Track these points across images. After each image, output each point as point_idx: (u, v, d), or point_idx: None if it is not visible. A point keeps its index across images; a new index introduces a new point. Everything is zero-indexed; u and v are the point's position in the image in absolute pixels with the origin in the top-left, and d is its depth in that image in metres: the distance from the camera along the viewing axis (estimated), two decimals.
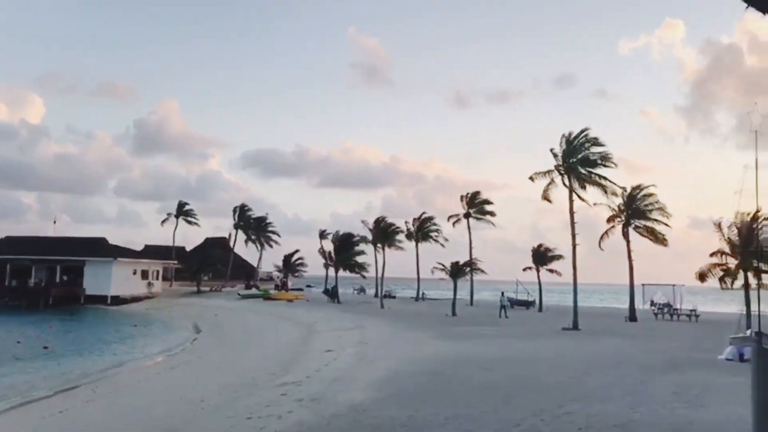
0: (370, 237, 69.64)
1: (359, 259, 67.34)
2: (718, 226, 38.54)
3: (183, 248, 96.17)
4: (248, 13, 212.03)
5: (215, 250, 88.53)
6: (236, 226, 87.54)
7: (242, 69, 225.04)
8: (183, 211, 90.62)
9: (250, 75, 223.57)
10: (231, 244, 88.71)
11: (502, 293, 51.10)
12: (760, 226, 34.39)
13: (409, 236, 72.79)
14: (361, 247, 68.66)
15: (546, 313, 52.88)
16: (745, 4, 14.31)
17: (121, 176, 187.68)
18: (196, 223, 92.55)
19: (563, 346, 25.57)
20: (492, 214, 67.93)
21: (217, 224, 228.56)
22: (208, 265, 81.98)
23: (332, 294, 66.04)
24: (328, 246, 71.24)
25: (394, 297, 76.75)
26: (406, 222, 73.92)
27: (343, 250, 66.37)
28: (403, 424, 11.24)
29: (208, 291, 78.11)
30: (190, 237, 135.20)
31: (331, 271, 68.98)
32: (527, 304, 59.53)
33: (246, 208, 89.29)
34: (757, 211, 31.39)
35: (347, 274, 68.39)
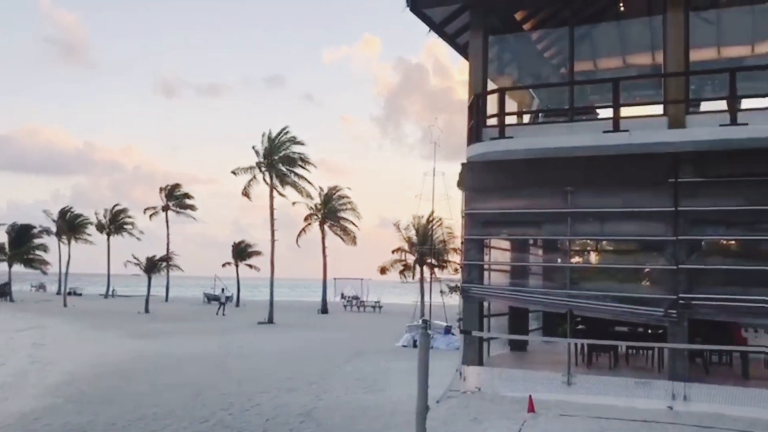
0: (54, 229, 63.24)
1: (39, 252, 60.86)
2: (398, 226, 42.66)
3: None
4: None
5: None
6: None
7: None
8: None
9: None
10: None
11: (222, 289, 50.35)
12: (434, 227, 38.70)
13: (100, 228, 67.75)
14: (43, 239, 62.13)
15: (243, 308, 53.22)
16: (428, 28, 15.81)
17: None
18: None
19: (257, 340, 25.97)
20: (193, 207, 66.35)
21: None
22: None
23: (3, 292, 58.38)
24: (2, 238, 62.97)
25: (80, 294, 70.78)
26: (96, 213, 68.76)
27: (20, 243, 59.29)
28: (81, 430, 10.41)
29: None
30: None
31: (4, 266, 61.04)
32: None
33: None
34: (432, 213, 35.28)
35: (24, 269, 61.25)
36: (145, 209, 65.43)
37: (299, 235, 51.82)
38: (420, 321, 25.86)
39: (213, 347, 22.88)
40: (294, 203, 47.58)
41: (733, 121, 11.32)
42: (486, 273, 14.10)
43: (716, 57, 14.94)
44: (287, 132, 43.45)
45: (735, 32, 14.60)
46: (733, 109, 11.49)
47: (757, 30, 14.38)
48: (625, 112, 12.70)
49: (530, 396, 11.14)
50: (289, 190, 44.21)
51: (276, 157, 42.62)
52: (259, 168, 42.73)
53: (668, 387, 11.58)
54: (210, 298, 60.27)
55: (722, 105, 12.11)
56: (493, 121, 13.41)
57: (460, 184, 14.00)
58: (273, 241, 41.82)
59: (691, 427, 10.01)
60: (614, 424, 10.21)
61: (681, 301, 11.68)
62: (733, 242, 13.49)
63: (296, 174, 43.77)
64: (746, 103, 12.46)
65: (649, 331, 13.95)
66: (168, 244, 62.22)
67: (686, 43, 12.16)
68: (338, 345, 24.14)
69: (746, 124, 11.14)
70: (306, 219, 51.60)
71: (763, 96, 13.85)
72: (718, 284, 11.84)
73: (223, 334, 28.87)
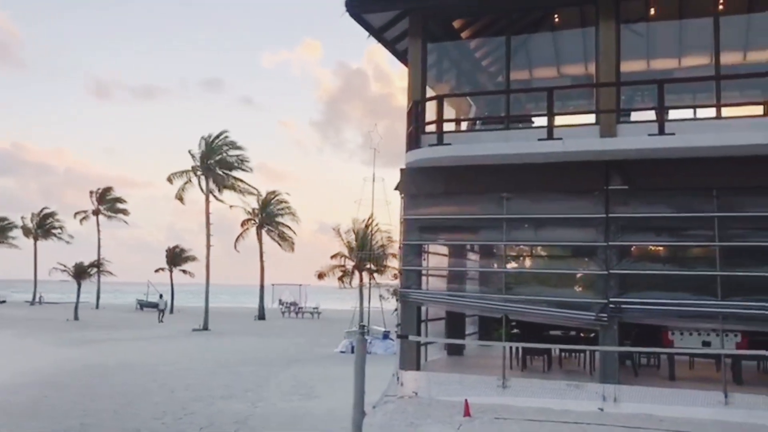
0: None
1: None
2: (338, 231, 42.52)
3: None
4: None
5: None
6: None
7: None
8: None
9: None
10: None
11: (161, 296, 48.98)
12: (373, 232, 38.75)
13: (26, 233, 65.21)
14: None
15: (178, 314, 52.02)
16: (367, 33, 15.82)
17: None
18: None
19: (192, 348, 25.43)
20: (125, 212, 64.67)
21: None
22: None
23: None
24: None
25: (3, 301, 67.94)
26: (23, 217, 66.20)
27: None
28: None
29: None
30: None
31: None
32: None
33: None
34: (371, 219, 35.36)
35: None
36: (75, 213, 63.43)
37: (237, 240, 51.10)
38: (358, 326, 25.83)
39: (145, 355, 22.26)
40: (231, 206, 46.91)
41: (661, 131, 11.72)
42: (424, 278, 14.19)
43: (646, 69, 15.49)
44: (226, 136, 42.79)
45: (663, 45, 15.18)
46: (661, 120, 11.91)
47: (683, 44, 14.99)
48: (559, 120, 13.02)
49: (466, 400, 11.24)
50: (226, 194, 43.56)
51: (212, 161, 41.89)
52: (194, 172, 41.91)
53: (599, 389, 11.89)
54: (143, 305, 58.75)
55: (651, 115, 12.53)
56: (431, 128, 13.53)
57: (399, 189, 14.07)
58: (209, 246, 41.06)
59: (620, 428, 10.27)
60: (547, 426, 10.40)
61: (611, 305, 12.02)
62: (661, 248, 13.97)
63: (234, 178, 43.13)
64: (674, 114, 12.96)
65: (582, 335, 14.30)
66: (99, 249, 60.45)
67: (617, 55, 12.55)
68: (275, 352, 23.85)
69: (673, 134, 11.56)
70: (243, 224, 50.90)
71: (689, 107, 14.47)
72: (647, 288, 12.22)
73: (156, 341, 28.15)
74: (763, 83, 13.86)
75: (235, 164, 42.98)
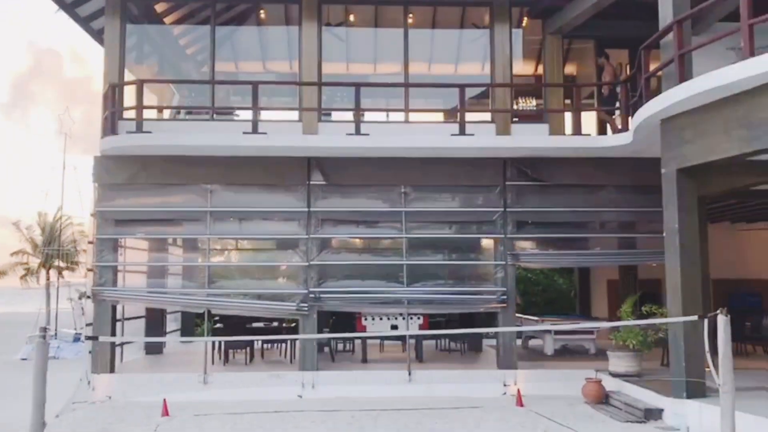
0: None
1: None
2: (17, 225, 37.85)
3: None
4: None
5: None
6: None
7: None
8: None
9: None
10: None
11: None
12: (63, 226, 35.34)
13: None
14: None
15: None
16: (57, 7, 14.36)
17: None
18: None
19: None
20: None
21: None
22: None
23: None
24: None
25: None
26: None
27: None
28: None
29: None
30: None
31: None
32: None
33: None
34: (60, 211, 32.25)
35: None
36: None
37: None
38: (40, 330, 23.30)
39: None
40: None
41: (358, 132, 12.57)
42: (120, 274, 13.31)
43: (346, 71, 16.38)
44: None
45: (361, 50, 16.18)
46: (358, 121, 12.74)
47: (378, 51, 16.15)
48: (266, 115, 13.19)
49: (164, 399, 10.82)
50: None
51: None
52: None
53: (299, 376, 12.33)
54: None
55: (351, 116, 13.31)
56: (131, 114, 12.73)
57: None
58: None
59: (318, 412, 10.76)
60: (246, 417, 10.45)
61: (311, 295, 12.55)
62: (357, 240, 14.93)
63: None
64: (370, 116, 13.94)
65: (284, 325, 14.68)
66: None
67: (319, 55, 13.11)
68: None
69: (368, 134, 12.44)
70: None
71: (383, 111, 15.69)
72: (343, 278, 13.01)
73: None
74: (443, 93, 15.55)
75: None
